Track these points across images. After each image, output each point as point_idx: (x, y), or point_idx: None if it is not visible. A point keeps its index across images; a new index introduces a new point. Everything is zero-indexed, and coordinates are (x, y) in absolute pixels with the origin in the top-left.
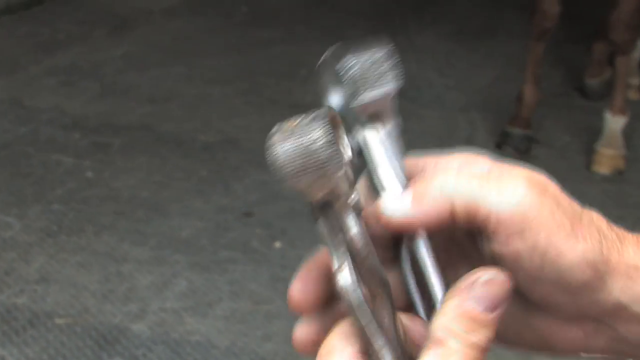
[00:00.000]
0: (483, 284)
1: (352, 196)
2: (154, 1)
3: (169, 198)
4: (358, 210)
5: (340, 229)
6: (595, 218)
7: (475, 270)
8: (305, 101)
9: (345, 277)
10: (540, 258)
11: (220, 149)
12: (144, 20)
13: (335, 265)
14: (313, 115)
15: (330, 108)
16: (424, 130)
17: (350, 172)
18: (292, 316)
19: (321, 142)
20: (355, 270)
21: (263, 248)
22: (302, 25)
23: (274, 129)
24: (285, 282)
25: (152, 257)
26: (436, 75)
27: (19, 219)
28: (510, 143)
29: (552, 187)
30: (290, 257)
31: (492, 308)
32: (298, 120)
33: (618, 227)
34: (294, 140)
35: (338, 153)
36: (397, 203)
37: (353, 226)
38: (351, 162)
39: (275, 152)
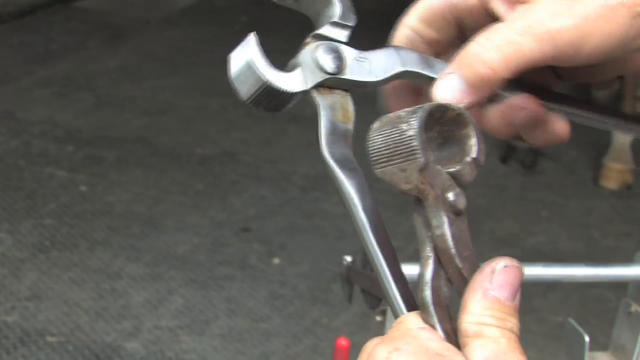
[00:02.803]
0: (501, 272)
1: (448, 195)
2: (150, 11)
3: (165, 213)
4: (454, 209)
5: (429, 225)
6: None
7: (490, 260)
8: (306, 113)
9: (424, 275)
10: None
11: (217, 163)
12: (139, 30)
13: (422, 260)
14: (415, 108)
15: (439, 105)
16: None
17: (440, 171)
18: (291, 334)
19: (408, 134)
20: (435, 270)
21: (261, 264)
22: (302, 36)
23: (379, 119)
24: (284, 299)
25: (147, 274)
26: None
27: (10, 234)
28: (516, 157)
29: None
30: (289, 274)
31: (514, 295)
32: (400, 113)
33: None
34: (386, 130)
35: (424, 147)
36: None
37: (440, 225)
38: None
39: (369, 140)
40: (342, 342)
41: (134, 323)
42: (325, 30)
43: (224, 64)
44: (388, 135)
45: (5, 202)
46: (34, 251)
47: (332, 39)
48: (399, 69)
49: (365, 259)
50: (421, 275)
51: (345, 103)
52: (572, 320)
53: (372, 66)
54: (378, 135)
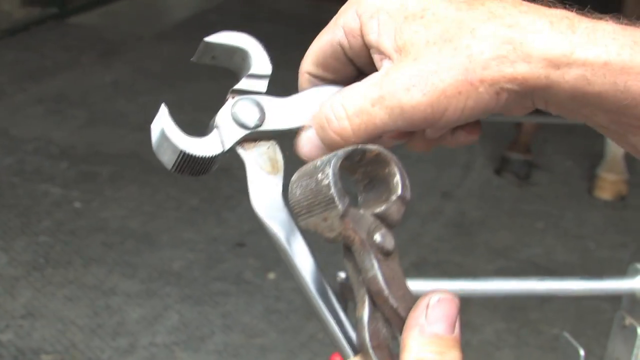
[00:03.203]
0: (435, 306)
1: (375, 237)
2: (143, 26)
3: (159, 228)
4: (383, 250)
5: (360, 270)
6: None
7: (424, 295)
8: None
9: (361, 319)
10: None
11: (212, 178)
12: (133, 45)
13: (357, 304)
14: (330, 156)
15: (354, 150)
16: (421, 157)
17: (364, 214)
18: (287, 349)
19: (324, 184)
20: (371, 312)
21: (256, 279)
22: (297, 50)
23: (297, 171)
24: (280, 314)
25: (142, 290)
26: None
27: (5, 252)
28: (510, 169)
29: None
30: (285, 289)
31: (451, 327)
32: (316, 162)
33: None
34: (304, 181)
35: (341, 195)
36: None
37: (370, 269)
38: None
39: (289, 193)
40: (338, 357)
41: (130, 340)
42: (243, 84)
43: (217, 79)
44: (306, 187)
45: None
46: (29, 269)
47: (251, 92)
48: None
49: None
50: (358, 319)
51: (273, 153)
52: (567, 335)
53: (295, 111)
54: (297, 188)
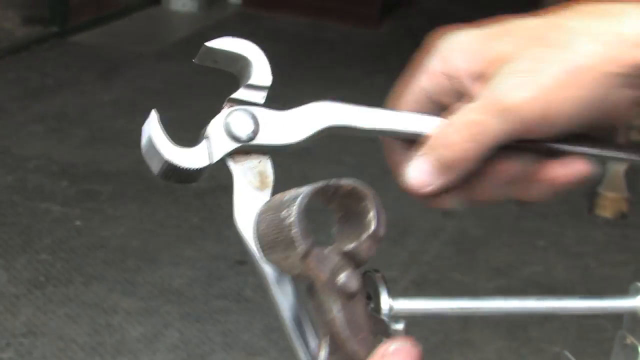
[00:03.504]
0: (392, 355)
1: (339, 278)
2: (143, 45)
3: (160, 246)
4: (346, 292)
5: (322, 310)
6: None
7: (382, 343)
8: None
9: (318, 358)
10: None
11: (212, 195)
12: (133, 64)
13: (317, 346)
14: (297, 193)
15: (324, 186)
16: None
17: (328, 255)
18: None
19: (287, 222)
20: (330, 353)
21: (257, 297)
22: (296, 68)
23: (266, 201)
24: (280, 332)
25: (143, 308)
26: None
27: (5, 270)
28: None
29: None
30: None
31: None
32: (284, 197)
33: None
34: (269, 216)
35: (304, 236)
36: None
37: (331, 310)
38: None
39: (255, 224)
40: None
41: (130, 358)
42: (241, 93)
43: (217, 96)
44: (270, 222)
45: None
46: (29, 287)
47: (248, 102)
48: (321, 126)
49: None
50: (314, 358)
51: (264, 168)
52: (567, 353)
53: (291, 126)
54: (262, 221)
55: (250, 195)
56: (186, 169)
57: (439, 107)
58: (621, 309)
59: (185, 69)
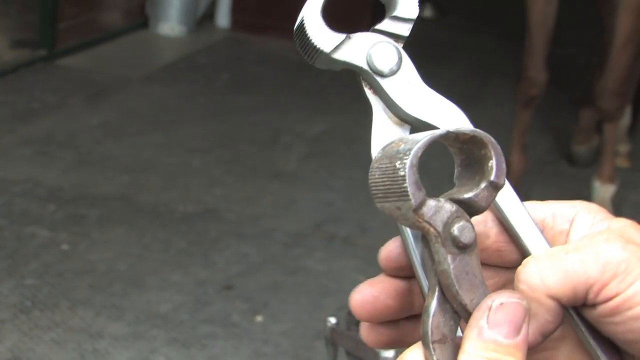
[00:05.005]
0: (497, 310)
1: (453, 229)
2: (131, 68)
3: (147, 271)
4: (459, 244)
5: (435, 260)
6: None
7: (490, 295)
8: (287, 169)
9: (427, 309)
10: None
11: (199, 220)
12: (121, 87)
13: (425, 293)
14: (414, 140)
15: (444, 134)
16: None
17: (443, 206)
18: None
19: (400, 174)
20: (439, 305)
21: (244, 322)
22: (284, 92)
23: (383, 147)
24: (267, 357)
25: (129, 333)
26: None
27: None
28: None
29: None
30: (273, 332)
31: (513, 332)
32: (400, 145)
33: None
34: (383, 164)
35: (416, 189)
36: (542, 272)
37: (442, 262)
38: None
39: (370, 170)
40: None
41: None
42: (386, 24)
43: (205, 120)
44: (384, 171)
45: None
46: (15, 312)
47: (392, 34)
48: (442, 129)
49: (349, 319)
50: (425, 309)
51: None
52: None
53: (417, 100)
54: (376, 169)
55: (389, 131)
56: (309, 38)
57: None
58: None
59: (173, 93)
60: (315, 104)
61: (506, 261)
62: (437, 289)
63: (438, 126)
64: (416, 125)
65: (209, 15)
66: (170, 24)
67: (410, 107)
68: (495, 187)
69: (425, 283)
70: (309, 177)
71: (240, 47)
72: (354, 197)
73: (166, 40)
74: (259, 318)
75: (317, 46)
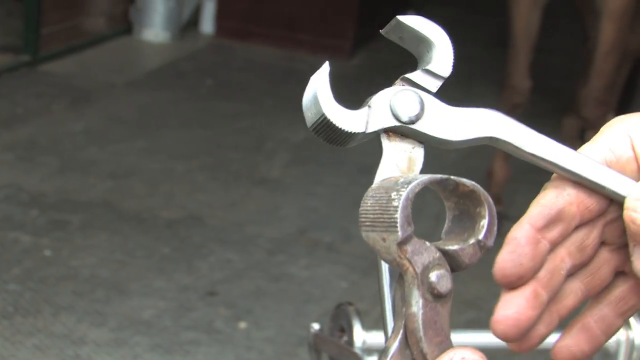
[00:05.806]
0: None
1: (430, 275)
2: (115, 74)
3: (130, 277)
4: (434, 291)
5: (404, 301)
6: None
7: (449, 350)
8: (272, 176)
9: (387, 350)
10: None
11: (183, 226)
12: (105, 93)
13: (389, 336)
14: (413, 178)
15: (443, 179)
16: None
17: (427, 248)
18: None
19: (393, 205)
20: (400, 348)
21: (227, 329)
22: (268, 98)
23: (381, 179)
24: None
25: (112, 339)
26: None
27: None
28: None
29: None
30: (256, 338)
31: None
32: (399, 178)
33: None
34: (379, 194)
35: (406, 222)
36: None
37: (413, 305)
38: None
39: (363, 199)
40: None
41: None
42: (416, 76)
43: (189, 126)
44: (378, 200)
45: None
46: None
47: (420, 87)
48: (486, 133)
49: (333, 325)
50: (384, 350)
51: (416, 155)
52: None
53: (455, 124)
54: (370, 198)
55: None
56: (340, 129)
57: None
58: None
59: (157, 99)
60: (300, 111)
61: (594, 213)
62: (401, 332)
63: (486, 137)
64: (466, 147)
65: (194, 21)
66: (155, 30)
67: (453, 134)
68: (483, 247)
69: (390, 324)
70: (293, 183)
71: (224, 53)
72: (338, 204)
73: (150, 46)
74: (243, 324)
75: (350, 131)
